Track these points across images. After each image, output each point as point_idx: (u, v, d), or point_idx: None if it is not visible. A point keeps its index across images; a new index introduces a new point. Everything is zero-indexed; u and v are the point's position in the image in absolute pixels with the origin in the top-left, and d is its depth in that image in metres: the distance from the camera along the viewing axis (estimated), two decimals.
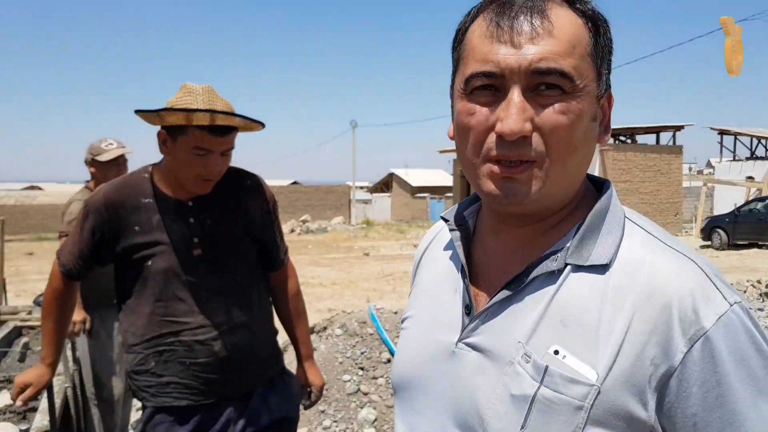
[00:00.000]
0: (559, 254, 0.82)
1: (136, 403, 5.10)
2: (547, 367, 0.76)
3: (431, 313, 0.94)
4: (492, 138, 0.78)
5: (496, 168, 0.79)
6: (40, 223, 27.34)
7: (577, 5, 0.81)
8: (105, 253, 2.01)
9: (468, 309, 0.87)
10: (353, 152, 44.23)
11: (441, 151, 34.46)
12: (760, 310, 6.87)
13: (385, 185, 52.11)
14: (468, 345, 0.85)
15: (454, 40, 0.87)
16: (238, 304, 2.03)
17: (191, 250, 1.97)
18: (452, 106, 0.87)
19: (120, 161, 3.65)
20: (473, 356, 0.84)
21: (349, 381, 4.62)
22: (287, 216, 38.56)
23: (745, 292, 9.57)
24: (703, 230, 20.42)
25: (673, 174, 26.14)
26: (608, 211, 0.84)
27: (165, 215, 1.97)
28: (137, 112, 1.86)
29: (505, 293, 0.83)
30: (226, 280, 2.01)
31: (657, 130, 26.50)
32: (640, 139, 26.45)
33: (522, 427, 0.76)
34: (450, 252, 0.98)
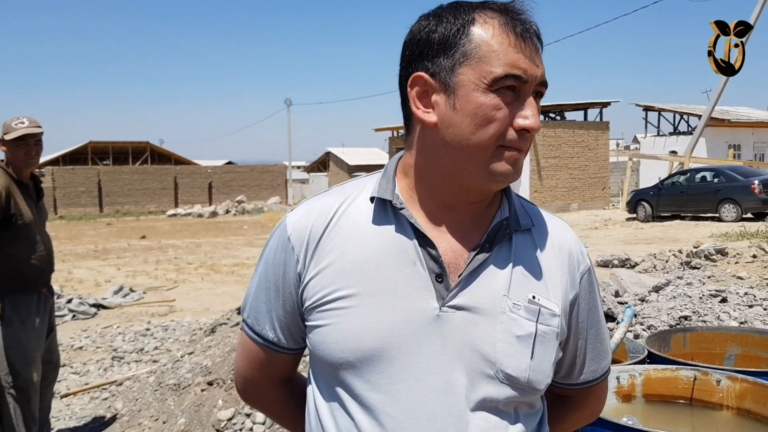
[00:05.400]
0: (504, 222, 1.04)
1: (59, 390, 4.94)
2: (540, 309, 1.02)
3: (386, 286, 1.00)
4: (511, 130, 0.97)
5: (515, 153, 0.98)
6: None
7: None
8: None
9: (439, 277, 1.00)
10: (288, 131, 43.84)
11: (376, 130, 34.47)
12: (679, 278, 7.16)
13: (321, 164, 51.80)
14: (453, 307, 0.99)
15: (449, 34, 0.97)
16: None
17: None
18: (449, 92, 0.97)
19: (30, 141, 3.47)
20: (460, 315, 1.00)
21: None
22: (222, 197, 37.89)
23: (667, 261, 9.91)
24: (628, 203, 21.22)
25: (600, 149, 26.98)
26: (511, 188, 1.10)
27: None
28: None
29: (479, 258, 1.01)
30: None
31: (585, 107, 27.28)
32: (569, 115, 27.17)
33: (531, 358, 1.00)
34: (386, 228, 1.03)
